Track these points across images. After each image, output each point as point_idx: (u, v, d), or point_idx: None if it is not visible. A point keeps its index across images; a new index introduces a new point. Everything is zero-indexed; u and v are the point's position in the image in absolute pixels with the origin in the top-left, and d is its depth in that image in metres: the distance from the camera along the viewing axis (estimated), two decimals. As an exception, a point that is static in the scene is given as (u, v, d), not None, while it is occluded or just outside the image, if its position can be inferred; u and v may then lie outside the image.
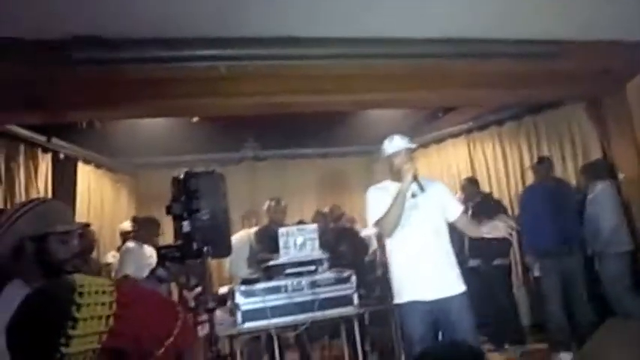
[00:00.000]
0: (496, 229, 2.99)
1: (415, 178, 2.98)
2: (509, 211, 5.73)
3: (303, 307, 3.94)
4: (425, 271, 2.98)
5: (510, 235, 3.07)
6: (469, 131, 6.73)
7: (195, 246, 2.23)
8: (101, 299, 0.94)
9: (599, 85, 4.82)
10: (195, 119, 5.69)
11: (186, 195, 2.26)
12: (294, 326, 4.01)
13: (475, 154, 6.76)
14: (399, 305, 3.10)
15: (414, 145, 3.27)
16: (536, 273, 4.85)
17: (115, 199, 6.85)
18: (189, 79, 3.62)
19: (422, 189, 2.99)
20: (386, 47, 3.76)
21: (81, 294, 0.92)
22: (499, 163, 6.44)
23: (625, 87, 4.81)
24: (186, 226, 2.25)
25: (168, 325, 1.02)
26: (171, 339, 0.99)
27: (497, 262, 5.11)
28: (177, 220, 2.34)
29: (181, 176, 2.86)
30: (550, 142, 5.92)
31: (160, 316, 1.03)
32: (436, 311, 2.98)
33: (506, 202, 5.98)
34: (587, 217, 4.71)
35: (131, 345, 0.95)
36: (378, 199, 3.13)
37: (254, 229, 5.42)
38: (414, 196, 3.03)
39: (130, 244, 4.78)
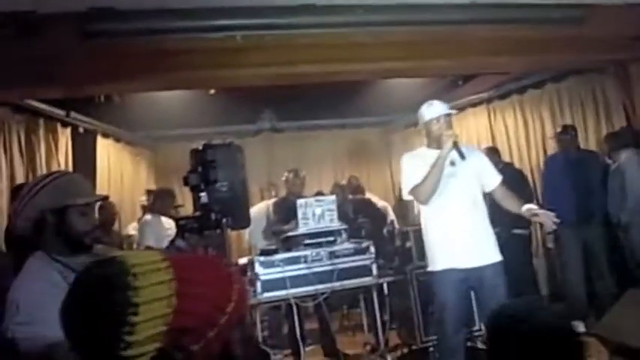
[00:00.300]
0: (538, 217, 2.98)
1: (456, 145, 2.92)
2: (531, 182, 5.64)
3: (322, 277, 3.97)
4: (461, 239, 2.96)
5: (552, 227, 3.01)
6: (489, 100, 6.59)
7: (213, 217, 2.23)
8: (159, 278, 0.87)
9: (627, 51, 4.65)
10: (212, 91, 5.67)
11: (203, 166, 2.25)
12: (313, 296, 4.04)
13: (496, 124, 6.62)
14: (433, 273, 3.08)
15: (454, 111, 3.21)
16: (550, 245, 4.79)
17: (134, 172, 6.91)
18: (204, 50, 3.59)
19: (462, 156, 2.93)
20: (403, 14, 3.67)
21: (135, 275, 0.85)
22: (520, 132, 6.30)
23: (653, 52, 4.65)
24: (204, 197, 2.25)
25: (227, 294, 0.95)
26: (231, 306, 0.93)
27: (516, 231, 5.05)
28: (195, 191, 2.34)
29: (199, 148, 2.85)
30: (573, 111, 5.75)
31: (219, 285, 0.96)
32: (471, 279, 2.97)
33: (527, 171, 5.87)
34: (611, 186, 4.61)
35: (197, 321, 0.89)
36: (414, 165, 3.07)
37: (272, 201, 5.42)
38: (452, 164, 2.98)
39: (148, 216, 4.83)
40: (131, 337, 0.81)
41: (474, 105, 6.77)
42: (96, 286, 0.86)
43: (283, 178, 5.26)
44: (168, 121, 6.27)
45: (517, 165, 5.97)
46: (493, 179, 3.15)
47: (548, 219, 2.93)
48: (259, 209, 5.55)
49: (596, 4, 4.03)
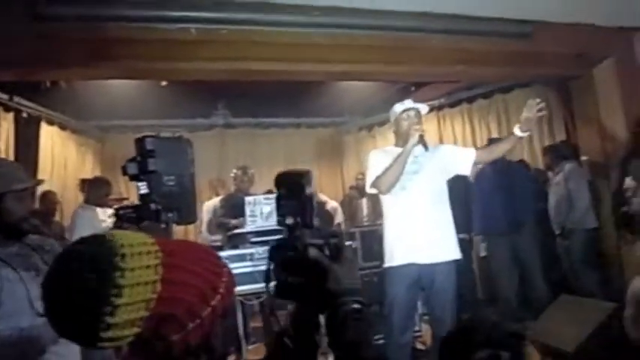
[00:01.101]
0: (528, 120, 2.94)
1: (422, 139, 2.93)
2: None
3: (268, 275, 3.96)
4: (423, 234, 2.97)
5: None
6: (440, 107, 6.78)
7: (153, 207, 2.18)
8: (146, 261, 0.84)
9: (569, 68, 4.89)
10: (163, 83, 5.56)
11: (141, 155, 2.20)
12: (258, 294, 4.03)
13: (444, 130, 6.82)
14: (389, 268, 3.09)
15: (426, 108, 3.24)
16: (482, 253, 4.96)
17: (79, 162, 6.69)
18: (158, 41, 3.51)
19: (426, 148, 2.95)
20: (359, 18, 3.73)
21: (123, 256, 0.82)
22: (468, 139, 6.51)
23: (593, 71, 4.89)
24: (142, 187, 2.19)
25: (214, 285, 0.92)
26: (217, 299, 0.91)
27: (458, 235, 5.20)
28: (134, 180, 2.28)
29: (140, 137, 2.73)
30: (518, 121, 5.97)
31: (207, 276, 0.92)
32: (424, 278, 3.00)
33: (472, 178, 6.05)
34: (556, 197, 4.79)
35: (179, 310, 0.86)
36: (379, 160, 3.10)
37: (220, 197, 5.39)
38: (416, 158, 3.01)
39: (79, 208, 4.59)
40: (112, 318, 0.79)
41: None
42: (82, 263, 0.82)
43: (232, 175, 5.24)
44: (117, 111, 6.12)
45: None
46: (468, 155, 3.18)
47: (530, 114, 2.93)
48: (207, 207, 5.50)
49: (542, 21, 4.21)
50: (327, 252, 1.15)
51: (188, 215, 3.49)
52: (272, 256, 1.21)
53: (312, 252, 1.10)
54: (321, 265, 1.12)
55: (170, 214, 3.10)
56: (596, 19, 4.40)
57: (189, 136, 4.67)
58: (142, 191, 2.17)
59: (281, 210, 1.23)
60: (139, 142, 2.21)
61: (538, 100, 2.96)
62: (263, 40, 3.67)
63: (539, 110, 2.92)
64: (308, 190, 1.24)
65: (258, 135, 7.85)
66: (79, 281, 0.80)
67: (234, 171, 5.18)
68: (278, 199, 1.26)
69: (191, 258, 0.93)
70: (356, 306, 1.08)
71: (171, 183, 3.22)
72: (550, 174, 5.07)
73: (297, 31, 3.70)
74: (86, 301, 0.80)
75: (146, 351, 0.86)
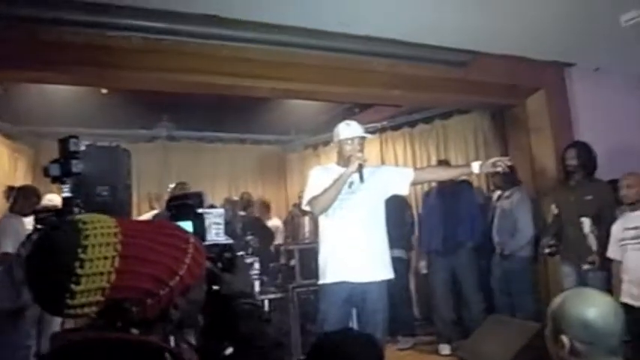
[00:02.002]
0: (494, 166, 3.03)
1: (360, 168, 2.97)
2: (415, 209, 5.96)
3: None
4: (356, 253, 3.01)
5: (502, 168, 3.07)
6: (383, 130, 6.94)
7: (76, 211, 2.11)
8: (105, 253, 0.96)
9: (503, 97, 5.14)
10: (104, 91, 5.42)
11: (64, 156, 2.11)
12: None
13: (386, 152, 6.98)
14: (322, 286, 3.12)
15: (369, 135, 3.29)
16: (424, 271, 5.08)
17: (10, 169, 6.37)
18: (102, 47, 3.43)
19: (362, 180, 2.98)
20: (306, 38, 3.79)
21: (85, 249, 0.94)
22: (409, 162, 6.68)
23: (526, 102, 5.16)
24: (65, 189, 2.11)
25: (178, 255, 1.04)
26: (177, 278, 1.02)
27: (396, 253, 5.29)
28: (57, 183, 2.19)
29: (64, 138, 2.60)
30: (457, 146, 6.24)
31: (169, 248, 1.04)
32: (356, 297, 3.03)
33: (412, 200, 6.20)
34: (503, 220, 4.87)
35: (134, 296, 0.98)
36: (319, 178, 3.12)
37: (155, 212, 5.28)
38: (351, 184, 3.03)
39: (4, 217, 4.31)
40: (77, 287, 0.93)
41: (367, 133, 7.07)
42: (52, 240, 0.98)
43: (168, 190, 5.14)
44: (54, 117, 5.88)
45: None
46: (406, 175, 3.25)
47: (498, 161, 3.03)
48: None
49: (479, 52, 4.42)
50: (219, 264, 1.42)
51: (121, 227, 3.43)
52: None
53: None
54: (211, 274, 1.33)
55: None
56: (529, 52, 4.67)
57: (130, 147, 4.53)
58: (64, 194, 2.09)
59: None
60: (63, 142, 2.12)
61: (509, 159, 3.11)
62: (208, 53, 3.67)
63: (503, 167, 3.05)
64: (200, 210, 1.56)
65: (201, 149, 7.74)
66: (49, 255, 0.96)
67: (171, 186, 5.10)
68: (171, 219, 1.49)
69: (151, 235, 1.05)
70: (246, 306, 1.33)
71: (105, 193, 3.14)
72: (495, 194, 5.19)
73: (242, 46, 3.71)
74: (49, 285, 0.95)
75: (120, 316, 0.98)
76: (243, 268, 1.61)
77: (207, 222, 4.05)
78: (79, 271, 0.93)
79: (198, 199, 1.55)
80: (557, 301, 1.56)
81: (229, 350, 1.25)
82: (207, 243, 1.48)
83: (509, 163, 3.06)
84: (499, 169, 3.04)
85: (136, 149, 6.17)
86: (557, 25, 4.04)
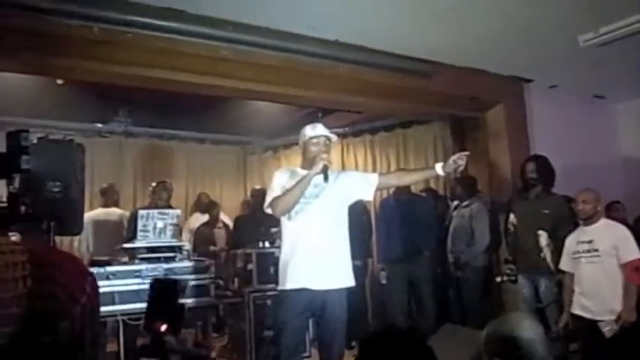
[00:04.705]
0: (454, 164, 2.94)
1: (325, 169, 2.90)
2: (372, 216, 5.97)
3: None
4: (317, 259, 2.95)
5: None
6: (344, 136, 6.95)
7: (23, 209, 2.00)
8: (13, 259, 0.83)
9: (463, 109, 5.23)
10: (60, 81, 5.21)
11: (12, 151, 2.00)
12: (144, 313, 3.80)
13: (347, 159, 7.00)
14: (282, 291, 3.04)
15: (335, 137, 3.23)
16: (383, 281, 5.09)
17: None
18: (58, 36, 3.26)
19: (326, 180, 2.91)
20: (272, 39, 3.74)
21: None
22: (369, 169, 6.71)
23: (485, 114, 5.26)
24: (11, 185, 2.00)
25: (81, 285, 0.91)
26: (85, 297, 0.89)
27: (354, 262, 5.31)
28: (3, 178, 2.07)
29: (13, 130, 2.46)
30: (416, 155, 6.33)
31: (73, 275, 0.91)
32: (316, 303, 2.97)
33: (371, 206, 6.22)
34: (458, 230, 4.97)
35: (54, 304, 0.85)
36: (281, 180, 3.06)
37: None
38: (316, 186, 2.98)
39: None
40: None
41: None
42: None
43: (150, 189, 5.02)
44: (4, 106, 5.61)
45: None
46: (371, 180, 3.19)
47: (457, 159, 2.94)
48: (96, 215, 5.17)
49: (442, 63, 4.48)
50: None
51: (72, 226, 3.26)
52: None
53: None
54: None
55: (52, 223, 2.88)
56: (490, 66, 4.76)
57: (84, 141, 4.38)
58: (12, 189, 1.97)
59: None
60: (12, 136, 2.01)
61: (467, 152, 3.02)
62: (170, 48, 3.55)
63: (463, 159, 2.96)
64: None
65: (158, 147, 7.53)
66: None
67: (153, 184, 4.97)
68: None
69: (56, 259, 0.93)
70: None
71: (56, 189, 2.99)
72: (453, 204, 5.28)
73: (206, 44, 3.62)
74: None
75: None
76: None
77: (162, 223, 3.92)
78: None
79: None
80: (492, 323, 1.67)
81: None
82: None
83: (467, 155, 2.97)
84: (458, 168, 2.97)
85: (91, 144, 5.99)
86: (518, 42, 4.14)
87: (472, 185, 5.10)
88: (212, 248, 5.71)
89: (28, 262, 0.84)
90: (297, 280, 2.97)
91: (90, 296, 0.91)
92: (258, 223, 4.60)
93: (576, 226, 3.94)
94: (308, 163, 3.07)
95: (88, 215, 5.02)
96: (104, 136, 6.98)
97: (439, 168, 3.06)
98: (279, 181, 3.09)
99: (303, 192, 2.94)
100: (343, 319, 3.05)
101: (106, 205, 5.61)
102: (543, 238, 4.10)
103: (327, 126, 3.25)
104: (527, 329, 1.59)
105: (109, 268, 3.72)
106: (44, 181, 2.77)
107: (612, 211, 4.72)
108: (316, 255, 2.97)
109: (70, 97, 5.38)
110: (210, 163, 7.97)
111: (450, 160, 2.98)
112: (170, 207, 4.70)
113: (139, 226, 3.91)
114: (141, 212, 4.02)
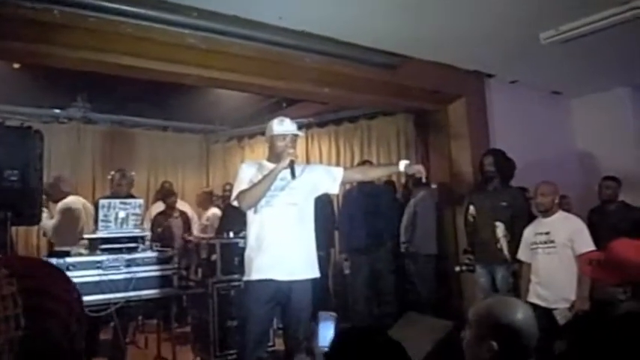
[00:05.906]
0: (413, 168, 3.17)
1: (292, 164, 2.94)
2: (335, 206, 6.02)
3: (117, 285, 3.70)
4: (282, 250, 2.98)
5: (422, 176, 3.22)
6: (309, 126, 6.97)
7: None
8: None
9: (427, 102, 5.31)
10: (16, 65, 5.02)
11: None
12: (106, 305, 3.74)
13: (312, 149, 7.03)
14: (247, 282, 3.07)
15: (301, 134, 3.25)
16: (347, 271, 5.16)
17: None
18: (16, 19, 3.14)
19: (293, 176, 2.96)
20: (238, 27, 3.70)
21: None
22: (333, 159, 6.77)
23: (447, 108, 5.36)
24: None
25: (69, 304, 0.85)
26: (74, 318, 0.85)
27: (318, 252, 5.36)
28: None
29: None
30: (380, 146, 6.41)
31: (62, 299, 0.85)
32: (281, 294, 3.00)
33: (334, 197, 6.26)
34: (405, 219, 5.13)
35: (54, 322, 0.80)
36: (248, 173, 3.07)
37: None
38: (282, 180, 3.00)
39: None
40: None
41: (298, 130, 7.09)
42: None
43: (109, 177, 4.89)
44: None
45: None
46: (337, 174, 3.26)
47: (421, 168, 3.18)
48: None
49: (408, 56, 4.53)
50: None
51: (30, 216, 3.18)
52: None
53: None
54: None
55: (9, 214, 2.80)
56: (454, 60, 4.84)
57: (41, 127, 4.26)
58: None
59: None
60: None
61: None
62: (133, 34, 3.46)
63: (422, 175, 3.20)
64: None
65: (119, 133, 7.37)
66: None
67: (112, 173, 4.84)
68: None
69: (49, 281, 0.87)
70: None
71: (13, 178, 2.90)
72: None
73: (170, 30, 3.55)
74: None
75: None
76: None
77: (124, 213, 3.87)
78: None
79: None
80: (481, 307, 1.63)
81: None
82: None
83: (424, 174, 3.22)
84: (418, 175, 3.19)
85: (49, 130, 5.82)
86: (480, 37, 4.21)
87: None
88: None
89: (18, 293, 0.77)
90: (262, 271, 3.00)
91: (78, 313, 0.87)
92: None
93: (533, 217, 4.09)
94: (275, 156, 3.09)
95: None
96: (62, 122, 6.79)
97: (402, 165, 3.16)
98: (246, 174, 3.09)
99: (270, 186, 2.96)
100: (308, 308, 3.09)
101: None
102: (500, 229, 4.23)
103: (292, 116, 3.27)
104: (524, 314, 1.59)
105: (69, 259, 3.63)
106: (1, 170, 2.69)
107: (562, 205, 4.91)
108: (282, 248, 3.00)
109: (26, 81, 5.21)
110: (173, 151, 7.86)
111: (416, 167, 3.19)
112: (132, 196, 4.62)
113: (100, 216, 3.82)
114: (102, 202, 3.93)
